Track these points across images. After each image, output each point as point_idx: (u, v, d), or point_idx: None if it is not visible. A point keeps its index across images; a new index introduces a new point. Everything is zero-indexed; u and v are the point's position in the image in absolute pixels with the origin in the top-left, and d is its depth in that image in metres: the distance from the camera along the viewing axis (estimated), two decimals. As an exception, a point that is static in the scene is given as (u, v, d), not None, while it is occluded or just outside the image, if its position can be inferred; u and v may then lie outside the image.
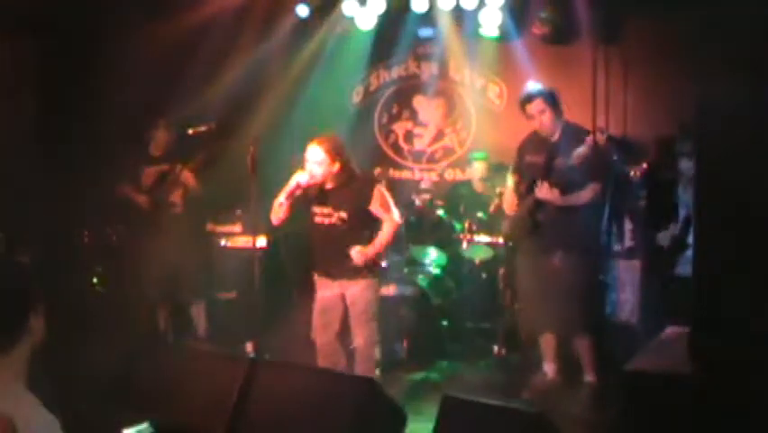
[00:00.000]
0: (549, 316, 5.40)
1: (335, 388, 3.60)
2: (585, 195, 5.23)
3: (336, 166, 4.75)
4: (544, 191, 5.30)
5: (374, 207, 4.81)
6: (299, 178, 4.79)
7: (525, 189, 5.40)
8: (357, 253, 4.75)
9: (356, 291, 4.86)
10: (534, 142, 5.48)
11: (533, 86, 5.45)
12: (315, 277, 5.04)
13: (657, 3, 6.03)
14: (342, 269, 4.84)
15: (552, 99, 5.34)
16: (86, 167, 6.62)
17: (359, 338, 4.90)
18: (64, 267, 6.36)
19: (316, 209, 4.88)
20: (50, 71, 6.86)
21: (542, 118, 5.34)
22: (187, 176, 6.38)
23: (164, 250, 6.26)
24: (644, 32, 6.43)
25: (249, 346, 5.68)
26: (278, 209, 4.82)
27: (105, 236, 7.01)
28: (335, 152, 4.74)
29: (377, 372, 5.08)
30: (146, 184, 6.48)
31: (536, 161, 5.40)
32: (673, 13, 5.78)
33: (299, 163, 4.85)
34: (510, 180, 5.62)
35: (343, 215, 4.80)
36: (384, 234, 4.84)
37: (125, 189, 6.49)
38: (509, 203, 5.61)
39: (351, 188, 4.84)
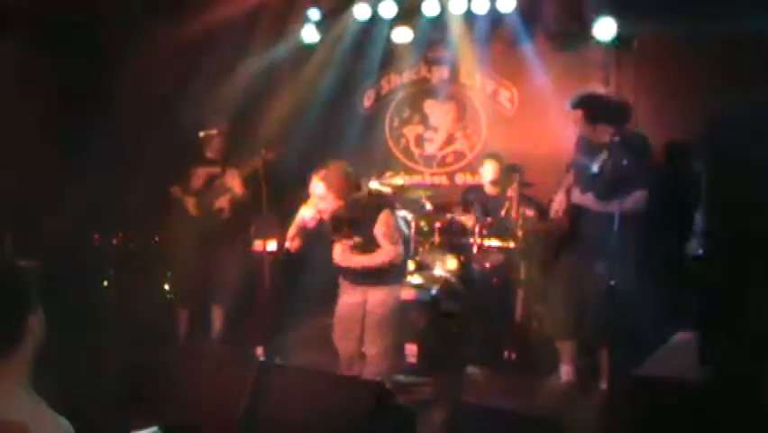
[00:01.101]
0: (580, 324, 5.33)
1: (344, 392, 3.60)
2: (630, 202, 4.96)
3: (341, 202, 4.71)
4: (576, 195, 5.25)
5: (377, 231, 4.75)
6: (304, 213, 4.82)
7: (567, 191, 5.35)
8: (343, 254, 4.76)
9: (377, 299, 4.85)
10: (587, 141, 5.34)
11: (576, 95, 5.29)
12: (340, 280, 5.06)
13: (668, 10, 6.00)
14: (364, 278, 4.87)
15: (594, 111, 5.20)
16: (102, 168, 6.64)
17: (371, 348, 4.87)
18: (73, 269, 6.37)
19: (332, 236, 4.88)
20: (59, 71, 6.89)
21: (579, 126, 5.29)
22: (235, 181, 6.40)
23: (205, 253, 6.30)
24: (656, 38, 6.40)
25: (259, 350, 5.69)
26: (291, 244, 4.88)
27: (131, 238, 7.03)
28: (338, 188, 4.67)
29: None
30: (195, 186, 6.48)
31: (581, 162, 5.30)
32: (685, 21, 5.76)
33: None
34: (567, 179, 5.50)
35: (358, 240, 4.79)
36: (376, 257, 4.76)
37: (176, 190, 6.49)
38: (556, 202, 5.48)
39: (359, 213, 4.77)
